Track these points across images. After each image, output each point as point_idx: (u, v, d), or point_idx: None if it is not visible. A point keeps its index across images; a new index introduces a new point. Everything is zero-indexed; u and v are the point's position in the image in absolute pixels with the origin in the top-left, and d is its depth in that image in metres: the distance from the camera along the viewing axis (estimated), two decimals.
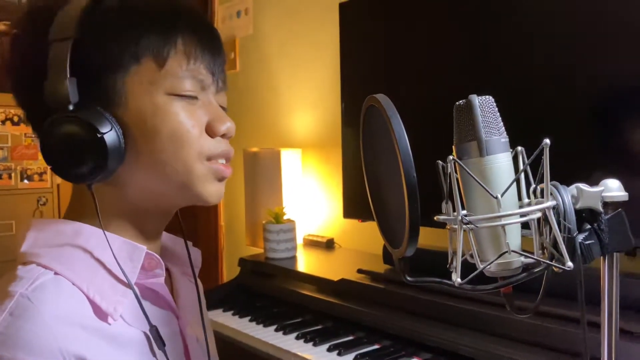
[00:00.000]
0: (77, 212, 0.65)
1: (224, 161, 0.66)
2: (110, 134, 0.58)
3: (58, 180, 2.72)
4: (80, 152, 0.58)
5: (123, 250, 0.62)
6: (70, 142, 0.57)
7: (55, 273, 0.58)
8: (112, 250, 0.60)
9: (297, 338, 1.33)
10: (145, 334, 0.63)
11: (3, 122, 2.64)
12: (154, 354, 0.62)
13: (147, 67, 0.61)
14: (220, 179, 0.66)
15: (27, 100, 0.63)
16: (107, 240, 0.60)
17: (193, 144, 0.62)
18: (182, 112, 0.62)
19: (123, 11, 0.61)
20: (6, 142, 2.65)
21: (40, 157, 2.68)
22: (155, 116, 0.61)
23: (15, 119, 2.67)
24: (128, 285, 0.60)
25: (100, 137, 0.57)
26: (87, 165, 0.58)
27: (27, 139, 2.69)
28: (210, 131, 0.64)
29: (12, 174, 2.65)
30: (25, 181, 2.67)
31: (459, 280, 0.52)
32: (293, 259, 1.79)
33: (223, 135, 0.65)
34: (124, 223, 0.65)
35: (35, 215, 2.64)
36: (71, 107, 0.58)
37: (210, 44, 0.65)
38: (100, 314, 0.59)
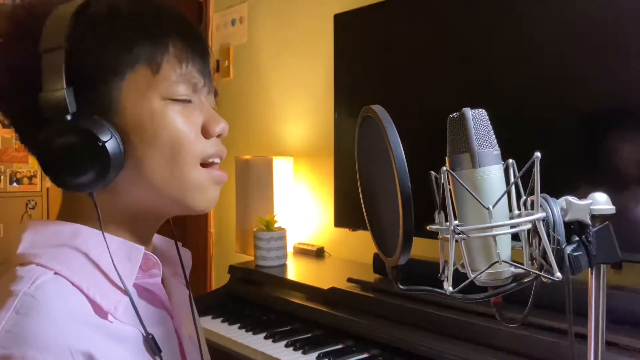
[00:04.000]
0: (71, 215, 0.65)
1: (218, 160, 0.67)
2: (110, 142, 0.58)
3: (48, 184, 2.70)
4: (81, 161, 0.58)
5: (121, 251, 0.62)
6: (71, 151, 0.57)
7: (55, 273, 0.58)
8: (109, 251, 0.60)
9: (287, 346, 1.33)
10: (142, 333, 0.63)
11: None
12: (152, 354, 0.63)
13: (142, 73, 0.61)
14: (219, 183, 0.67)
15: (16, 110, 0.63)
16: (106, 242, 0.60)
17: (191, 148, 0.63)
18: (178, 116, 0.63)
19: (113, 19, 0.61)
20: None
21: (30, 160, 2.66)
22: (153, 121, 0.61)
23: (6, 121, 2.65)
24: (124, 290, 0.61)
25: (101, 145, 0.57)
26: (88, 175, 0.58)
27: (17, 142, 2.67)
28: (205, 132, 0.65)
29: (2, 177, 2.62)
30: (15, 184, 2.65)
31: (450, 288, 0.53)
32: (283, 267, 1.79)
33: (218, 136, 0.66)
34: (119, 226, 0.65)
35: (24, 219, 2.62)
36: (69, 117, 0.58)
37: (199, 47, 0.65)
38: (101, 312, 0.59)
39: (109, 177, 0.59)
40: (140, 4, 0.64)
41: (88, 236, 0.62)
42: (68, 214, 0.65)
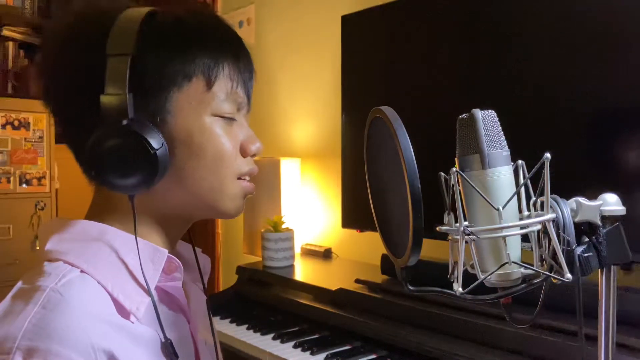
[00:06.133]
0: (99, 215, 0.66)
1: (248, 178, 0.70)
2: (160, 151, 0.60)
3: (57, 185, 2.72)
4: (131, 165, 0.59)
5: (145, 253, 0.63)
6: (123, 154, 0.59)
7: (81, 271, 0.59)
8: (139, 253, 0.62)
9: (295, 347, 1.33)
10: (160, 337, 0.64)
11: (3, 126, 2.64)
12: (168, 358, 0.64)
13: (197, 87, 0.64)
14: (246, 195, 0.70)
15: (72, 108, 0.64)
16: (137, 243, 0.62)
17: (231, 163, 0.66)
18: (224, 133, 0.66)
19: (179, 30, 0.64)
20: (6, 146, 2.65)
21: (39, 161, 2.68)
22: (202, 135, 0.64)
23: (16, 123, 2.67)
24: (147, 291, 0.62)
25: (153, 153, 0.59)
26: (135, 178, 0.60)
27: (27, 144, 2.69)
28: (242, 151, 0.68)
29: (11, 178, 2.64)
30: (24, 185, 2.66)
31: (460, 289, 0.53)
32: (291, 267, 1.79)
33: (252, 155, 0.69)
34: (149, 228, 0.67)
35: (32, 220, 2.63)
36: (125, 122, 0.59)
37: (248, 70, 0.69)
38: (123, 312, 0.60)
39: (153, 183, 0.61)
40: (204, 21, 0.67)
41: (115, 236, 0.63)
42: (96, 214, 0.67)
